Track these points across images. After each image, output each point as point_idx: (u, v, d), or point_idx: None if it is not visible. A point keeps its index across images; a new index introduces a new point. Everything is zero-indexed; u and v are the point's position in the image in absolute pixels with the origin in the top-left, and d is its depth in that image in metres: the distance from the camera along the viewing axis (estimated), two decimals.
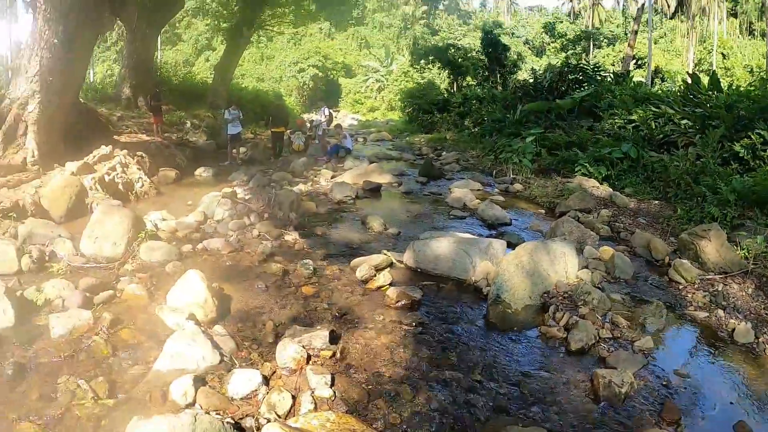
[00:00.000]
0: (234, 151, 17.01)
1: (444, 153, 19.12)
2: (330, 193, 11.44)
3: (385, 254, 7.24)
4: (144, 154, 13.85)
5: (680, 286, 6.73)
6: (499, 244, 7.10)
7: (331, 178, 13.57)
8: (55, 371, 4.56)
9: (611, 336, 5.23)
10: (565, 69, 22.25)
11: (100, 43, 59.36)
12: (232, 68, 28.40)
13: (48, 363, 4.71)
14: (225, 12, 29.04)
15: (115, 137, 15.41)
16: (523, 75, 35.93)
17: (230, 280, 6.47)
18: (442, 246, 7.04)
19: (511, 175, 13.79)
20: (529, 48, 65.04)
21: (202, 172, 14.80)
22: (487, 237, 7.85)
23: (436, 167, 14.79)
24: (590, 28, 70.18)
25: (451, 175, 14.56)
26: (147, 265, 7.11)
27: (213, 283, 5.94)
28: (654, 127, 13.71)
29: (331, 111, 21.34)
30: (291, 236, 8.16)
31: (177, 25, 58.63)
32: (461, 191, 11.33)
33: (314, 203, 10.51)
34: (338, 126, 19.47)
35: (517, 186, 12.55)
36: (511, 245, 7.48)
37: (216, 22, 31.65)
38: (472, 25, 60.93)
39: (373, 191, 11.93)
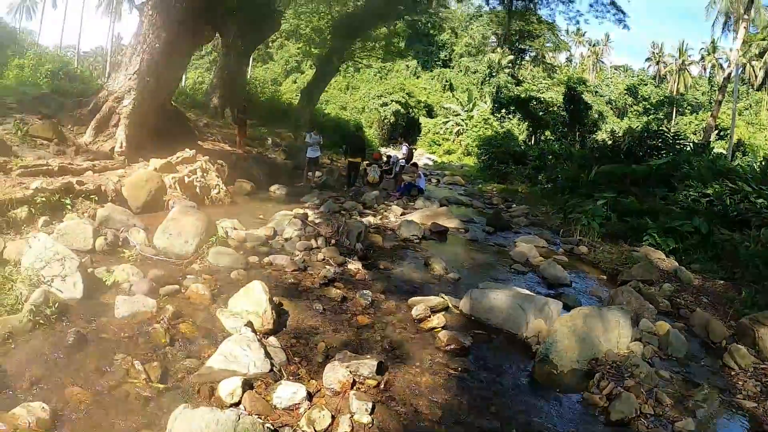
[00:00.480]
0: (310, 174, 17.66)
1: (514, 205, 19.10)
2: (397, 230, 11.66)
3: (442, 297, 7.39)
4: (224, 163, 14.62)
5: (732, 372, 6.49)
6: (554, 305, 7.09)
7: (401, 215, 13.83)
8: (113, 348, 4.95)
9: (653, 413, 5.14)
10: (645, 134, 22.02)
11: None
12: (318, 93, 29.58)
13: (108, 339, 5.11)
14: (317, 39, 30.50)
15: (199, 142, 16.33)
16: (602, 135, 35.74)
17: (290, 297, 6.77)
18: (499, 298, 7.14)
19: (578, 237, 13.59)
20: (611, 108, 64.34)
21: (276, 189, 15.50)
22: (544, 295, 7.86)
23: (504, 219, 14.81)
24: (674, 93, 68.84)
25: (518, 228, 14.53)
26: (213, 268, 7.54)
27: (274, 296, 6.25)
28: (729, 203, 13.27)
29: (411, 148, 21.79)
30: (354, 266, 8.42)
31: (270, 44, 61.59)
32: (526, 246, 11.34)
33: (381, 237, 10.77)
34: (414, 165, 19.89)
35: (583, 248, 12.37)
36: (567, 307, 7.46)
37: (307, 47, 33.30)
38: (556, 79, 60.89)
39: (440, 234, 12.11)
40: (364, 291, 7.26)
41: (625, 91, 70.46)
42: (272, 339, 5.44)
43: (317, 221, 10.48)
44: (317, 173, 18.65)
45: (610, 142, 23.93)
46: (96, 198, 9.84)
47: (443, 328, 6.47)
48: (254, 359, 4.79)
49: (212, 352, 4.93)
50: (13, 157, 10.40)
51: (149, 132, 13.53)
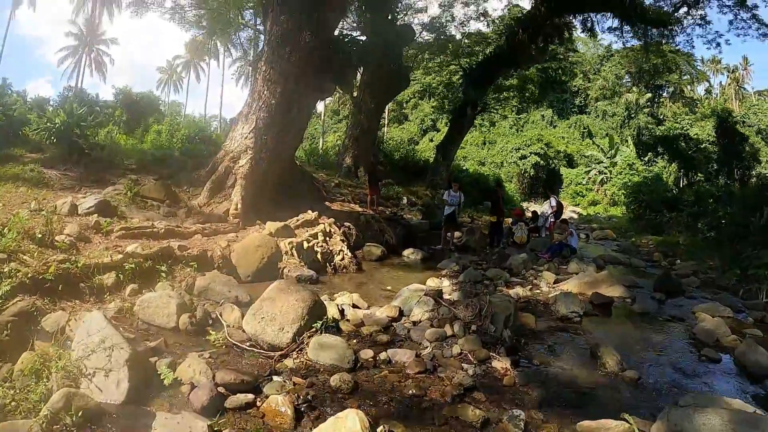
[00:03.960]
0: (448, 234, 15.72)
1: (678, 261, 15.94)
2: (552, 305, 9.24)
3: (625, 420, 4.83)
4: (351, 226, 13.18)
5: None
6: None
7: (554, 282, 11.42)
8: None
9: None
10: None
11: (333, 115, 65.52)
12: (454, 147, 28.23)
13: None
14: (450, 95, 29.66)
15: (327, 203, 15.15)
16: (760, 169, 31.10)
17: (407, 421, 4.61)
18: (712, 425, 4.49)
19: (764, 298, 10.56)
20: (762, 138, 56.30)
21: (410, 254, 13.73)
22: (751, 396, 5.78)
23: (674, 281, 11.95)
24: None
25: (691, 291, 11.64)
26: (312, 366, 5.66)
27: (383, 420, 4.23)
28: None
29: (560, 201, 19.07)
30: (501, 363, 6.12)
31: (404, 105, 62.24)
32: (712, 321, 8.57)
33: (533, 316, 8.42)
34: (564, 221, 17.09)
35: None
36: None
37: (441, 103, 32.76)
38: (699, 113, 54.72)
39: (603, 307, 9.67)
40: (515, 411, 4.90)
41: None
42: None
43: (454, 300, 8.30)
44: (456, 234, 16.65)
45: None
46: (195, 265, 8.61)
47: None
48: None
49: None
50: (116, 218, 9.60)
51: (269, 193, 12.52)
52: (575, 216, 36.59)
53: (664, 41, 26.40)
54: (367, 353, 5.96)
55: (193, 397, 4.52)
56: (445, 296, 8.55)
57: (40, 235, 7.55)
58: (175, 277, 8.22)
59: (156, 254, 8.23)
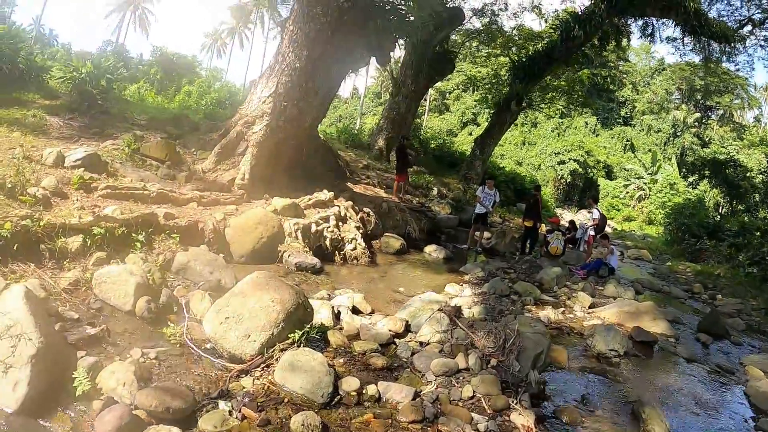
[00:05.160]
0: (476, 234, 14.25)
1: (719, 296, 14.04)
2: (589, 338, 7.69)
3: None
4: (371, 212, 11.80)
5: None
6: None
7: (590, 307, 9.84)
8: None
9: None
10: None
11: (374, 98, 63.86)
12: (493, 142, 26.64)
13: None
14: (494, 89, 28.48)
15: (349, 184, 13.75)
16: None
17: None
18: None
19: None
20: None
21: (432, 251, 12.35)
22: None
23: (722, 324, 10.29)
24: None
25: (737, 335, 9.96)
26: (274, 392, 4.26)
27: None
28: None
29: (603, 214, 17.21)
30: (522, 418, 4.62)
31: (447, 95, 60.36)
32: (766, 380, 6.99)
33: (564, 351, 6.90)
34: (605, 237, 15.36)
35: None
36: None
37: (485, 97, 31.06)
38: (746, 140, 51.80)
39: (645, 346, 8.03)
40: None
41: None
42: None
43: (473, 321, 6.78)
44: (486, 234, 15.15)
45: None
46: (178, 237, 7.36)
47: None
48: None
49: None
50: (105, 175, 8.41)
51: (284, 165, 11.22)
52: (609, 230, 34.73)
53: (724, 58, 24.39)
54: (350, 383, 4.51)
55: (99, 422, 3.27)
56: (465, 309, 7.10)
57: (10, 186, 6.48)
58: (153, 249, 7.00)
59: (135, 220, 6.98)
